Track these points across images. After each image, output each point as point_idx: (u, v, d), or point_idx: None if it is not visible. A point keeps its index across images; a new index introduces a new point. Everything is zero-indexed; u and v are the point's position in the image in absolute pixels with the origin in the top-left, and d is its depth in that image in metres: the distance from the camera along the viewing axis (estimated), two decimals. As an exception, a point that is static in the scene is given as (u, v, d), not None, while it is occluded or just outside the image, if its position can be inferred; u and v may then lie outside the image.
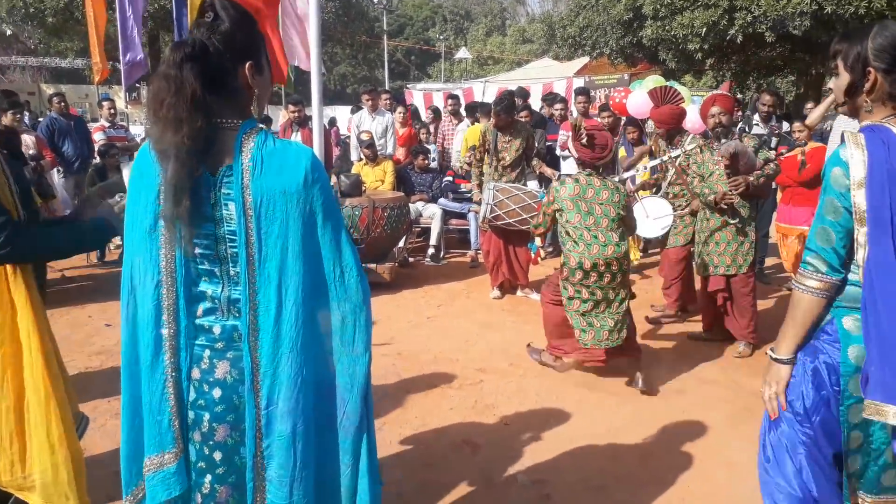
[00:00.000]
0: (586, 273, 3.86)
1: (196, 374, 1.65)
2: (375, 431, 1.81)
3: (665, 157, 5.20)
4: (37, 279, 2.13)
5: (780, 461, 1.87)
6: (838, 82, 1.83)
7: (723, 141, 4.57)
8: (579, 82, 15.44)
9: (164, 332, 1.61)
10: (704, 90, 17.53)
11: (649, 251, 7.59)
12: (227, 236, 1.58)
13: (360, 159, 7.80)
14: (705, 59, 14.45)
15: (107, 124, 8.16)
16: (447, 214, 7.59)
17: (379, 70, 40.80)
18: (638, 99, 6.95)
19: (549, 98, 8.44)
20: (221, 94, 1.55)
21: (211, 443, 1.65)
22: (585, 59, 18.27)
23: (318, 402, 1.64)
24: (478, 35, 45.55)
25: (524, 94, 8.52)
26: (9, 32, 23.50)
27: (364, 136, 7.46)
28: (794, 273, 6.06)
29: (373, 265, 6.02)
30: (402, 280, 6.49)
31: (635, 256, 6.79)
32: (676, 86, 6.45)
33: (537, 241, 5.56)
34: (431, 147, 8.75)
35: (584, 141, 3.98)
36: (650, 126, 7.71)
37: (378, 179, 7.39)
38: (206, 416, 1.64)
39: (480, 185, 6.12)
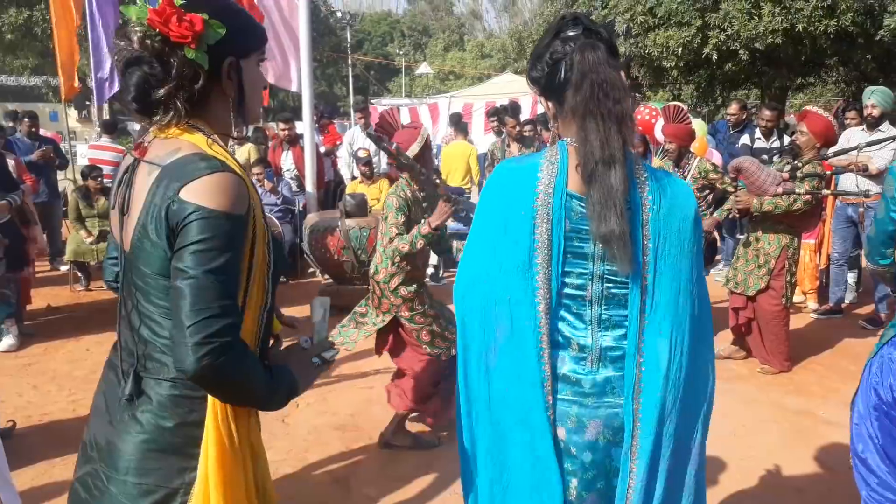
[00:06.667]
0: None
1: (562, 433, 1.41)
2: None
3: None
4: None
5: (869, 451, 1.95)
6: None
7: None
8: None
9: (546, 386, 1.36)
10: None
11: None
12: (605, 275, 1.35)
13: (355, 177, 7.59)
14: (678, 76, 14.73)
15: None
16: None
17: (338, 86, 40.46)
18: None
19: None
20: None
21: None
22: (553, 74, 18.36)
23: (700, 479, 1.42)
24: (436, 50, 45.63)
25: (516, 108, 8.27)
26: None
27: (362, 154, 7.27)
28: (804, 293, 6.08)
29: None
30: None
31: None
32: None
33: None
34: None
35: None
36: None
37: (374, 198, 7.19)
38: (574, 482, 1.43)
39: None
